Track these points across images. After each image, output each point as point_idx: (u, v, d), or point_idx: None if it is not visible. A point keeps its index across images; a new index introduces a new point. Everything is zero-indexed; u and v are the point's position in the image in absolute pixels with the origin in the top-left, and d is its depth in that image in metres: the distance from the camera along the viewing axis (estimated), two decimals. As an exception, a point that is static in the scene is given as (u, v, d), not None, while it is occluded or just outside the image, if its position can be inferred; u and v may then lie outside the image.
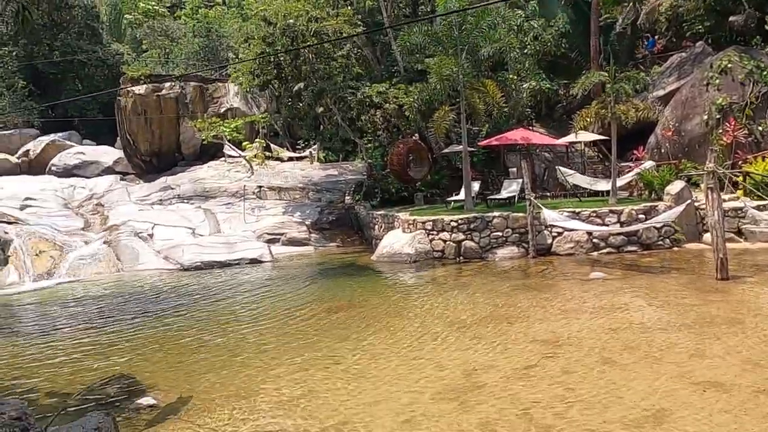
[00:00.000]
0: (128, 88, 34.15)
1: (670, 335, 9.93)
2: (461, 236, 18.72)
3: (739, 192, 19.21)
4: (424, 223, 19.42)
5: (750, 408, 6.96)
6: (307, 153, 34.74)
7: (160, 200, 29.25)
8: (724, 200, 18.29)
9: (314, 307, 14.06)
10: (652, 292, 13.03)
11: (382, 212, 23.18)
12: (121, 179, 34.20)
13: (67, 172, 35.29)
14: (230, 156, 33.68)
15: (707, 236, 16.24)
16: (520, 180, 21.23)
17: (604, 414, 7.09)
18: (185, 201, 28.77)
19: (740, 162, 20.02)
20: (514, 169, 24.79)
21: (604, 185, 21.26)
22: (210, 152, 35.37)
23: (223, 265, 21.37)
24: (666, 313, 11.39)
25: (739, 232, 17.74)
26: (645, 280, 14.19)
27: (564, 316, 11.59)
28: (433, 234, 19.20)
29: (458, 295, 14.12)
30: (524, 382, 8.26)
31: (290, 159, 34.57)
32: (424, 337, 10.77)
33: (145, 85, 34.57)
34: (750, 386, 7.53)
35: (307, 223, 25.72)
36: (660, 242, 17.78)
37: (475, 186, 22.61)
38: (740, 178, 19.16)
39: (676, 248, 17.66)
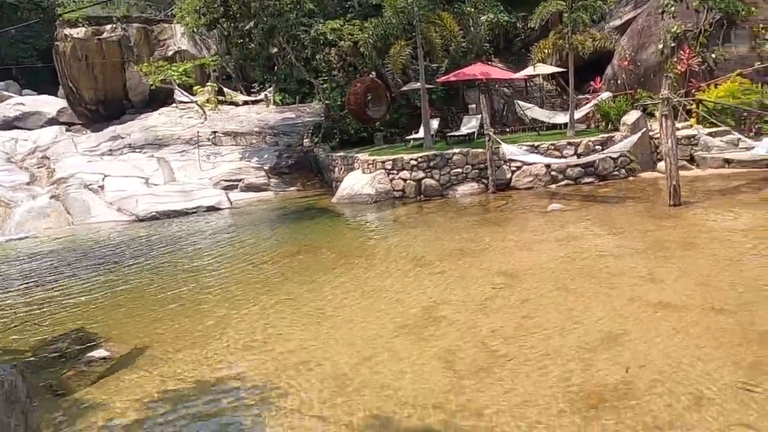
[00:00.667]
0: (66, 32, 31.93)
1: (625, 261, 10.14)
2: (421, 174, 18.58)
3: (693, 120, 19.47)
4: (383, 162, 19.15)
5: (699, 325, 7.19)
6: (262, 96, 33.56)
7: (110, 150, 28.02)
8: (678, 128, 18.51)
9: (275, 251, 13.85)
10: (608, 220, 13.25)
11: (341, 154, 22.76)
12: (67, 130, 32.47)
13: (8, 125, 33.29)
14: (182, 102, 32.26)
15: (661, 165, 16.52)
16: (479, 116, 21.03)
17: (561, 339, 7.21)
18: (137, 150, 27.64)
19: (694, 90, 20.19)
20: (474, 106, 24.53)
21: (562, 118, 21.25)
22: (160, 98, 33.77)
23: (180, 214, 20.81)
24: (621, 240, 11.62)
25: (692, 160, 18.11)
26: (601, 210, 14.42)
27: (523, 248, 11.70)
28: (393, 173, 19.00)
29: (419, 233, 14.10)
30: (483, 313, 8.33)
31: (245, 103, 33.35)
32: (384, 275, 10.75)
33: (84, 29, 32.39)
34: (700, 305, 7.76)
35: (265, 168, 25.12)
36: (616, 173, 18.02)
37: (435, 124, 22.32)
38: (693, 106, 19.38)
39: (631, 178, 17.95)
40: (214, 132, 28.53)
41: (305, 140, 27.14)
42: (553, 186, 17.93)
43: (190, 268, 13.11)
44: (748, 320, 7.15)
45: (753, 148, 15.49)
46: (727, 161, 17.57)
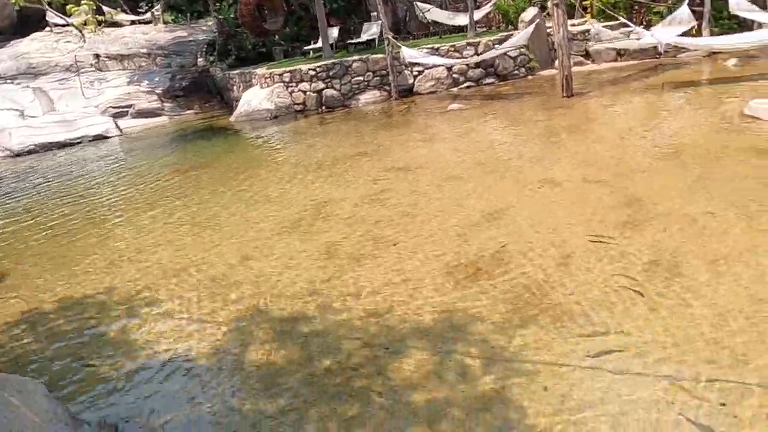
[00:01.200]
0: None
1: (515, 148, 10.20)
2: (321, 85, 17.81)
3: (588, 16, 19.63)
4: (281, 75, 18.15)
5: (577, 195, 7.33)
6: (149, 16, 30.72)
7: (-24, 83, 24.95)
8: (574, 24, 18.61)
9: (169, 170, 12.96)
10: (504, 115, 13.28)
11: (238, 71, 21.39)
12: (-77, 64, 28.55)
13: None
14: (57, 25, 28.91)
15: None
16: (380, 22, 20.20)
17: (446, 222, 7.16)
18: (8, 81, 24.77)
19: (589, -14, 20.22)
20: (375, 13, 23.53)
21: (463, 19, 20.80)
22: (31, 23, 30.16)
23: (63, 145, 19.06)
24: (514, 130, 11.68)
25: (587, 55, 18.38)
26: (499, 106, 14.42)
27: (419, 145, 11.53)
28: (292, 86, 18.09)
29: (318, 141, 13.61)
30: (372, 206, 8.14)
31: (132, 23, 30.46)
32: (281, 182, 10.29)
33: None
34: (579, 179, 7.91)
35: (157, 91, 23.30)
36: (516, 72, 18.04)
37: (334, 32, 21.29)
38: (588, 2, 19.48)
39: (530, 76, 18.05)
40: (97, 56, 25.96)
41: (200, 60, 25.29)
42: (455, 89, 17.75)
43: (74, 193, 12.05)
44: (623, 187, 7.35)
45: (642, 37, 15.84)
46: (620, 54, 17.97)
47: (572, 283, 5.32)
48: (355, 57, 18.02)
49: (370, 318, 5.32)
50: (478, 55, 17.48)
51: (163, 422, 4.33)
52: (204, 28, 29.25)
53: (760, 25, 15.27)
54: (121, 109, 22.05)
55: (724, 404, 3.72)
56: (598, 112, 12.23)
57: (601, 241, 5.97)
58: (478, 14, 20.40)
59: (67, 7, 28.01)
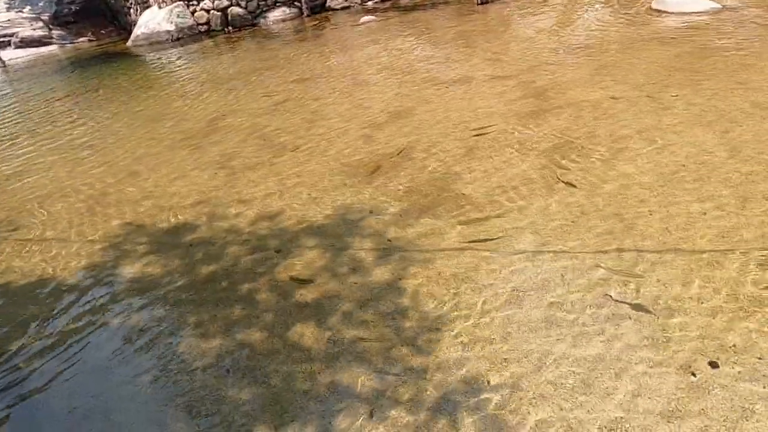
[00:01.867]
0: None
1: (426, 52, 9.74)
2: (225, 2, 16.42)
3: None
4: (180, -8, 16.57)
5: (482, 91, 7.04)
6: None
7: None
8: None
9: (60, 96, 11.67)
10: (418, 24, 12.70)
11: (134, -9, 19.38)
12: None
13: None
14: None
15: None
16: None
17: (349, 125, 6.72)
18: None
19: None
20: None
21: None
22: None
23: (-66, 80, 16.88)
24: (427, 37, 11.17)
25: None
26: (413, 17, 13.79)
27: (329, 57, 10.84)
28: (193, 5, 16.59)
29: (221, 60, 12.60)
30: (272, 115, 7.56)
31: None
32: (176, 99, 9.43)
33: None
34: (488, 77, 7.61)
35: (43, 17, 20.88)
36: (432, -17, 17.28)
37: (238, -56, 19.53)
38: None
39: (447, -13, 17.37)
40: (-32, -21, 22.82)
41: (90, -19, 22.73)
42: (370, 2, 16.84)
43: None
44: (530, 81, 7.11)
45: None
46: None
47: (473, 174, 5.08)
48: (261, -30, 16.66)
49: (260, 222, 4.91)
50: (391, -37, 16.53)
51: (22, 344, 3.84)
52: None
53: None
54: (1, 39, 19.67)
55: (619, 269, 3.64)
56: (511, 17, 11.87)
57: (508, 131, 5.73)
58: None
59: None
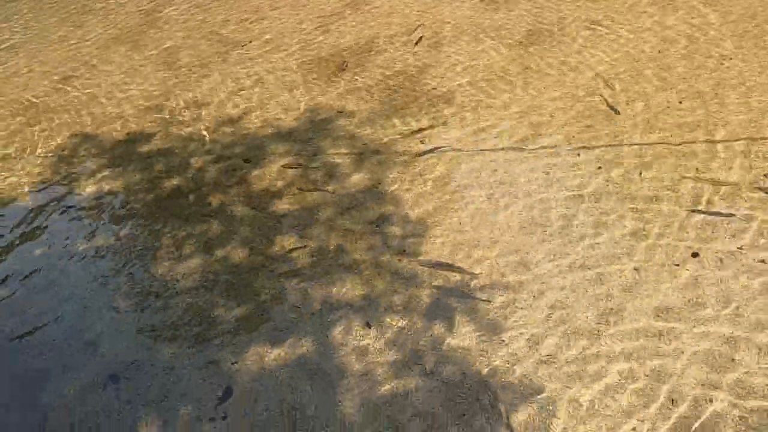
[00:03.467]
0: None
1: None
2: None
3: None
4: None
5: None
6: None
7: None
8: None
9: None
10: None
11: None
12: None
13: None
14: None
15: None
16: None
17: (305, 15, 6.18)
18: None
19: None
20: None
21: None
22: None
23: None
24: None
25: None
26: None
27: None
28: None
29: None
30: (220, 4, 6.86)
31: None
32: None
33: None
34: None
35: None
36: None
37: None
38: None
39: None
40: None
41: None
42: None
43: None
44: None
45: None
46: None
47: (443, 67, 4.82)
48: None
49: (222, 128, 4.59)
50: None
51: (-20, 278, 3.58)
52: None
53: None
54: None
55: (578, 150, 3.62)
56: None
57: (476, 18, 5.40)
58: None
59: None
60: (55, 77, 5.72)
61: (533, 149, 3.82)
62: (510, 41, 4.94)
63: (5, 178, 4.45)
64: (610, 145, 3.74)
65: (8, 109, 5.33)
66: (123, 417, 2.74)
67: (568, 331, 2.76)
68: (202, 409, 2.71)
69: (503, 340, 2.78)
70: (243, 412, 2.68)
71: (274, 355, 2.90)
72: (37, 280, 3.52)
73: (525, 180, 3.60)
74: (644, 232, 3.15)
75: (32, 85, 5.71)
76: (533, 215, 3.37)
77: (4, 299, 3.43)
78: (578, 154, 3.71)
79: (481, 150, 3.90)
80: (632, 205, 3.31)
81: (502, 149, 3.88)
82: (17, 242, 3.83)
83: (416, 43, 5.10)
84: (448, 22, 5.39)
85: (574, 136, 3.85)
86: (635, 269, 2.97)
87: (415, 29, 5.27)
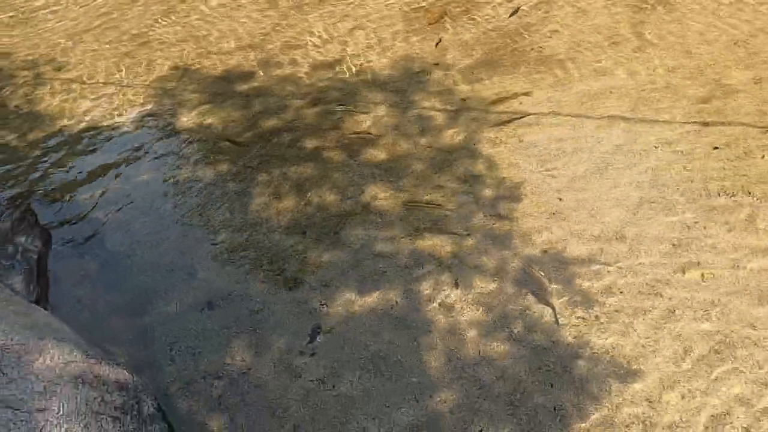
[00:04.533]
0: None
1: None
2: None
3: None
4: None
5: None
6: None
7: None
8: None
9: None
10: None
11: None
12: None
13: None
14: None
15: None
16: None
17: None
18: None
19: None
20: None
21: None
22: None
23: None
24: None
25: None
26: None
27: None
28: None
29: None
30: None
31: None
32: None
33: None
34: None
35: None
36: None
37: None
38: None
39: None
40: None
41: None
42: None
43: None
44: None
45: None
46: None
47: (552, 26, 4.60)
48: None
49: (318, 72, 4.60)
50: None
51: (91, 195, 3.83)
52: None
53: None
54: None
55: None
56: None
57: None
58: None
59: None
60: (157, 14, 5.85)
61: (642, 120, 3.63)
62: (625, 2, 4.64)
63: (113, 103, 4.67)
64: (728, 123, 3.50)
65: (112, 36, 5.53)
66: (219, 340, 2.93)
67: (664, 315, 2.68)
68: (292, 344, 2.85)
69: (599, 318, 2.74)
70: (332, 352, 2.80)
71: (362, 303, 2.98)
72: (141, 204, 3.73)
73: (630, 151, 3.44)
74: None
75: (128, 18, 5.87)
76: (642, 193, 3.24)
77: (111, 218, 3.67)
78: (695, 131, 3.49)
79: (586, 115, 3.75)
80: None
81: (608, 117, 3.71)
82: (124, 166, 4.05)
83: (511, 15, 4.79)
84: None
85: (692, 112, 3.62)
86: (744, 259, 2.82)
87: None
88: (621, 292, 2.80)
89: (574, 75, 4.09)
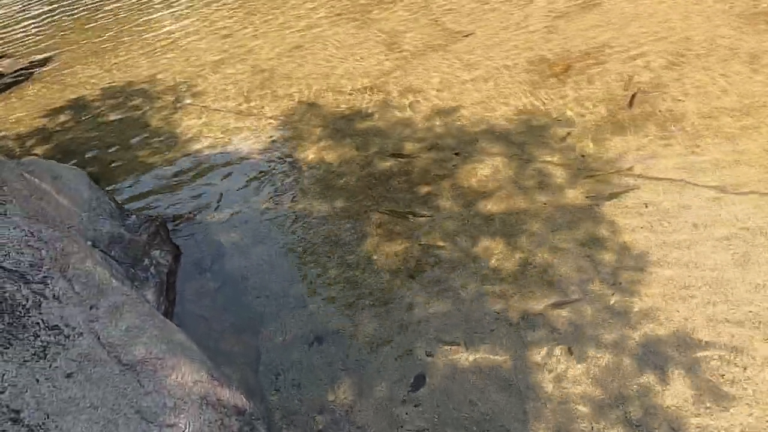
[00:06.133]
0: None
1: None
2: None
3: None
4: None
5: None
6: None
7: None
8: None
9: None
10: None
11: None
12: None
13: None
14: None
15: None
16: None
17: (532, 12, 6.03)
18: None
19: None
20: None
21: None
22: None
23: None
24: None
25: None
26: None
27: None
28: None
29: None
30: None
31: None
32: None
33: None
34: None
35: None
36: None
37: None
38: None
39: None
40: None
41: None
42: None
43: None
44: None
45: None
46: None
47: (686, 86, 4.42)
48: None
49: (436, 118, 4.67)
50: None
51: (214, 218, 4.08)
52: None
53: None
54: None
55: None
56: None
57: (735, 39, 4.85)
58: None
59: None
60: (287, 49, 6.23)
61: (785, 201, 3.37)
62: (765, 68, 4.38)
63: (246, 130, 4.97)
64: None
65: (250, 65, 5.93)
66: (322, 375, 2.97)
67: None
68: (395, 390, 2.84)
69: (726, 408, 2.52)
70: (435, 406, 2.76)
71: (466, 355, 2.93)
72: (260, 230, 3.90)
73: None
74: None
75: (265, 52, 6.28)
76: (777, 277, 2.99)
77: (232, 241, 3.87)
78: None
79: (713, 186, 3.53)
80: None
81: (740, 193, 3.48)
82: (246, 192, 4.28)
83: (630, 104, 4.33)
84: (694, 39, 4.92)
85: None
86: None
87: (629, 88, 4.56)
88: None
89: (701, 140, 3.88)
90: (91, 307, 2.20)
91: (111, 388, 1.97)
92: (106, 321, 2.17)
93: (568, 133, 4.22)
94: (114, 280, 2.41)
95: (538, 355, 2.87)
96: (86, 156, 5.02)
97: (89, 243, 2.79)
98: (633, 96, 4.38)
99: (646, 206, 3.51)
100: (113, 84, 6.13)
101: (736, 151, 3.77)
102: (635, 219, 3.46)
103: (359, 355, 3.04)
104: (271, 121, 5.03)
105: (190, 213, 4.10)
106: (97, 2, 9.13)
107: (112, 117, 5.55)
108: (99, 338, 2.09)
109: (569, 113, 4.42)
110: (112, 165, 4.84)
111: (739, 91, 4.25)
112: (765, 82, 4.29)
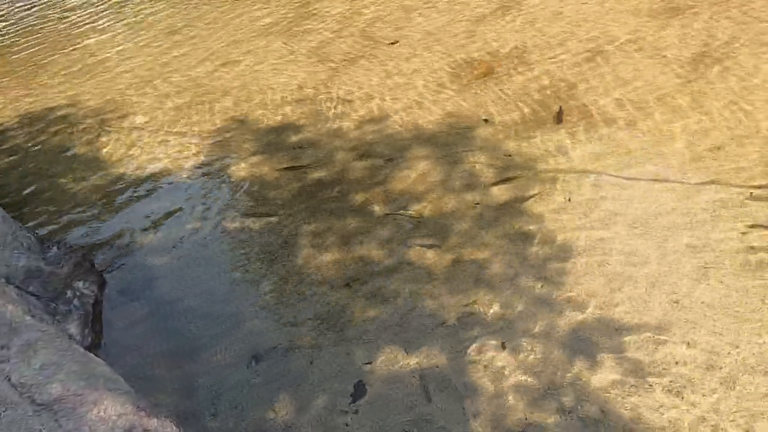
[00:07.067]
0: None
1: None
2: None
3: None
4: None
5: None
6: None
7: None
8: None
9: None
10: None
11: None
12: None
13: None
14: None
15: None
16: None
17: (455, 16, 6.17)
18: None
19: None
20: None
21: None
22: None
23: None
24: None
25: None
26: None
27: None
28: None
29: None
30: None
31: None
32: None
33: None
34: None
35: None
36: None
37: None
38: None
39: None
40: None
41: None
42: None
43: None
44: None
45: None
46: None
47: (597, 83, 4.61)
48: None
49: (366, 126, 4.71)
50: None
51: (142, 242, 3.96)
52: None
53: None
54: None
55: None
56: None
57: (640, 37, 5.11)
58: None
59: None
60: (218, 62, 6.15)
61: (696, 184, 3.56)
62: (679, 61, 4.63)
63: (174, 150, 4.86)
64: (787, 190, 3.39)
65: (173, 87, 5.81)
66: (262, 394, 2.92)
67: (725, 391, 2.55)
68: (335, 401, 2.83)
69: (650, 384, 2.63)
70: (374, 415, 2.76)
71: (405, 359, 2.95)
72: (191, 252, 3.82)
73: (683, 216, 3.37)
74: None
75: (196, 65, 6.18)
76: (694, 261, 3.15)
77: (161, 265, 3.77)
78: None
79: (632, 178, 3.70)
80: (811, 262, 2.98)
81: (658, 180, 3.65)
82: (175, 214, 4.18)
83: (558, 119, 4.31)
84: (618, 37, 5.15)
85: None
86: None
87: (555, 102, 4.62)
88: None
89: (623, 133, 4.06)
90: (1, 348, 2.10)
91: (24, 431, 1.88)
92: (18, 360, 2.07)
93: (493, 134, 4.33)
94: (28, 317, 2.31)
95: (474, 351, 2.92)
96: (3, 187, 4.79)
97: (2, 280, 2.66)
98: (560, 111, 4.43)
99: (569, 200, 3.64)
100: (32, 109, 5.89)
101: (646, 141, 3.96)
102: (558, 212, 3.58)
103: (298, 369, 3.01)
104: (201, 138, 4.94)
105: (113, 239, 3.96)
106: (20, 29, 8.78)
107: (32, 144, 5.32)
108: (10, 379, 1.99)
109: (494, 113, 4.53)
110: (34, 195, 4.63)
111: (651, 85, 4.47)
112: (674, 79, 4.53)
